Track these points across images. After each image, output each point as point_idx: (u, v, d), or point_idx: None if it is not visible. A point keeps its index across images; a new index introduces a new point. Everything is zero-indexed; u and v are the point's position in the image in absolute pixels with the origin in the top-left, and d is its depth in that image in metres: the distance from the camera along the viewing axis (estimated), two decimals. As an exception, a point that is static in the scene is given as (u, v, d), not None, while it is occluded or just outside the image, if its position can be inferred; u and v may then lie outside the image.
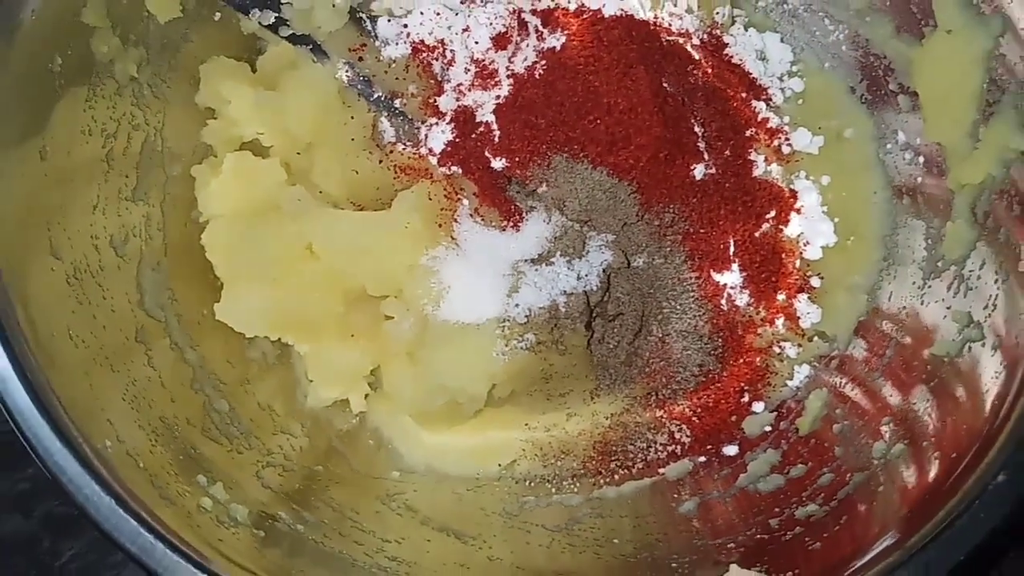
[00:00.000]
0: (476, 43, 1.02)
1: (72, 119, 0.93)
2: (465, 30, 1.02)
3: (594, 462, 1.05)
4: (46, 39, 0.89)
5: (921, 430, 0.89)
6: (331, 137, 1.03)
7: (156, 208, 1.02)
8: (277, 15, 1.02)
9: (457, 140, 1.01)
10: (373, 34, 1.05)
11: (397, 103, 1.04)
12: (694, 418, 1.06)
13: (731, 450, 1.04)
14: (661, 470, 1.05)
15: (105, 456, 0.80)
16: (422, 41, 1.03)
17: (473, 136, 1.01)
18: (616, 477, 1.05)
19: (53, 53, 0.89)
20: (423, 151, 1.03)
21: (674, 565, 0.93)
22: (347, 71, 1.04)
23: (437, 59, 1.03)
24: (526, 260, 0.99)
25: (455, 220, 1.00)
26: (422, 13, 1.03)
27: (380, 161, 1.03)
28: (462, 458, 1.06)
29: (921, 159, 1.02)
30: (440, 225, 1.00)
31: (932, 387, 0.91)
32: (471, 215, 1.01)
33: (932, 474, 0.83)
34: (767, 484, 0.98)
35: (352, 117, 1.03)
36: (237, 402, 1.01)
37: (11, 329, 0.79)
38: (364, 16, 1.06)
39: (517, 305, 0.97)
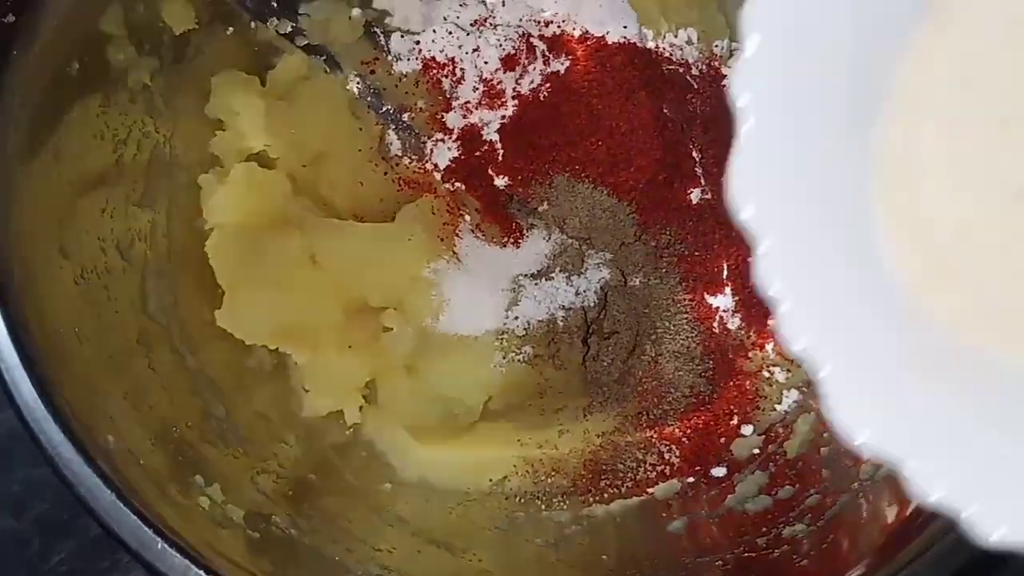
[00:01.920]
0: (485, 63, 1.05)
1: (86, 124, 0.94)
2: (475, 50, 1.05)
3: (584, 480, 1.07)
4: (65, 45, 0.91)
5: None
6: (339, 148, 1.05)
7: (162, 215, 1.03)
8: (294, 24, 1.04)
9: (462, 157, 1.04)
10: (386, 48, 1.08)
11: (405, 117, 1.07)
12: (684, 439, 1.08)
13: (720, 471, 1.06)
14: (650, 490, 1.06)
15: (107, 452, 0.80)
16: (433, 58, 1.06)
17: (477, 154, 1.04)
18: (605, 496, 1.06)
19: (71, 59, 0.91)
20: (428, 166, 1.05)
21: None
22: (358, 83, 1.07)
23: (447, 76, 1.06)
24: (526, 275, 1.01)
25: (457, 235, 1.03)
26: (435, 31, 1.06)
27: (385, 173, 1.05)
28: (454, 473, 1.07)
29: (911, 192, 1.04)
30: (442, 239, 1.02)
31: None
32: (472, 230, 1.03)
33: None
34: (755, 504, 1.00)
35: (360, 129, 1.06)
36: (234, 408, 1.02)
37: (20, 322, 0.80)
38: (378, 31, 1.08)
39: (516, 318, 0.99)
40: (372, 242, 1.01)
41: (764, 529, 0.95)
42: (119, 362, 0.92)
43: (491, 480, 1.07)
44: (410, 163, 1.06)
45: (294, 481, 1.01)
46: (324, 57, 1.06)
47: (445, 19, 1.07)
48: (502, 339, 0.99)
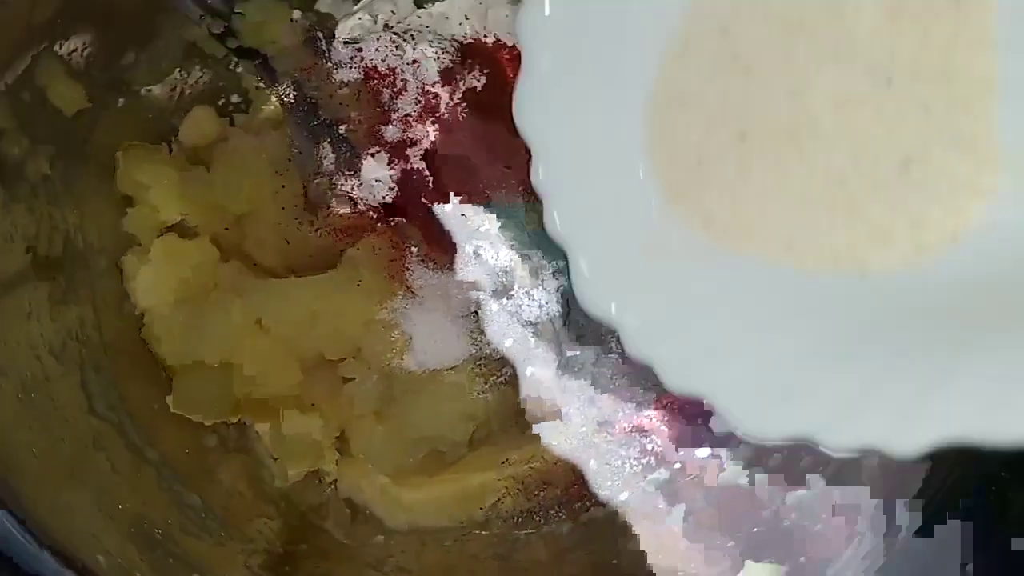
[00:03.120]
0: (425, 73, 1.01)
1: (-7, 228, 0.88)
2: (415, 62, 1.01)
3: (576, 487, 1.05)
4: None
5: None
6: (263, 208, 1.01)
7: (88, 307, 0.97)
8: (227, 25, 0.99)
9: (397, 193, 1.01)
10: (326, 55, 1.03)
11: (342, 129, 1.03)
12: (662, 426, 1.07)
13: (703, 452, 1.06)
14: (640, 483, 1.06)
15: (100, 573, 0.75)
16: (375, 67, 1.02)
17: (410, 183, 1.01)
18: (599, 499, 1.06)
19: (-36, 163, 0.85)
20: (361, 207, 1.01)
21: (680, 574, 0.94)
22: (293, 92, 1.02)
23: (387, 87, 1.02)
24: (486, 297, 0.99)
25: (406, 269, 0.99)
26: (377, 39, 1.02)
27: (315, 226, 1.01)
28: (444, 510, 1.04)
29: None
30: (392, 277, 0.98)
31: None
32: (422, 261, 1.00)
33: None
34: (748, 479, 1.00)
35: (283, 187, 1.01)
36: (206, 493, 0.97)
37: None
38: (320, 35, 1.03)
39: (488, 342, 0.97)
40: (319, 295, 0.97)
41: (767, 500, 0.96)
42: (82, 472, 0.86)
43: (483, 508, 1.04)
44: (344, 210, 1.02)
45: (286, 555, 0.97)
46: (258, 62, 1.01)
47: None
48: (480, 365, 0.96)
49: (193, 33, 1.03)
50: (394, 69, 1.02)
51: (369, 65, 1.02)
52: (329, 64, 1.03)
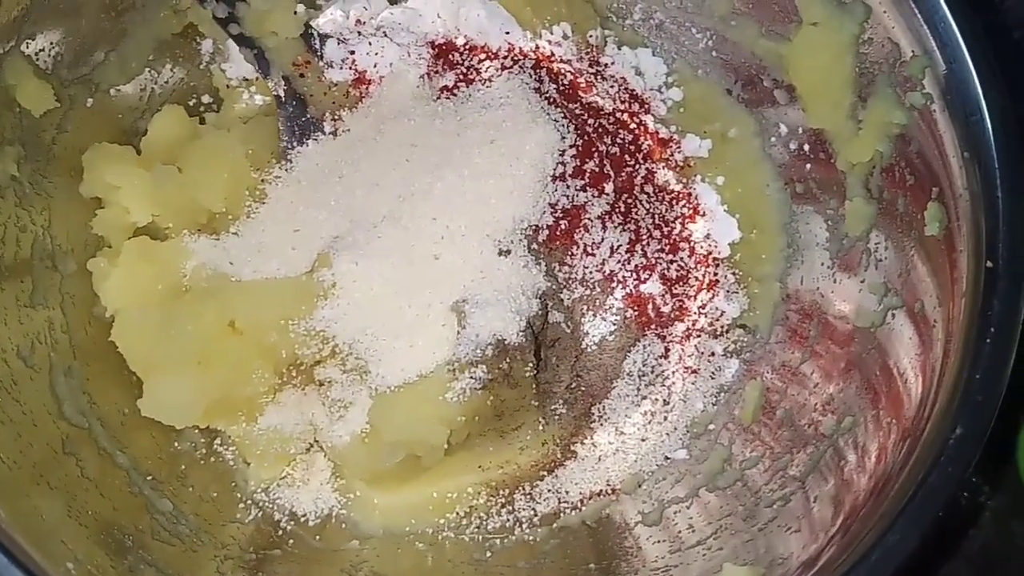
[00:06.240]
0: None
1: (-42, 230, 0.87)
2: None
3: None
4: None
5: (868, 399, 0.92)
6: (241, 205, 1.00)
7: (57, 310, 0.96)
8: (231, 11, 1.00)
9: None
10: (319, 53, 1.04)
11: (327, 127, 1.03)
12: (636, 428, 1.07)
13: (681, 454, 1.06)
14: (617, 485, 1.06)
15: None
16: (365, 71, 1.03)
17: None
18: (574, 502, 1.05)
19: (-70, 163, 0.83)
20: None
21: (658, 578, 0.94)
22: (283, 86, 1.02)
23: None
24: (463, 300, 0.98)
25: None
26: (370, 43, 1.02)
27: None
28: (418, 514, 1.03)
29: (806, 147, 1.06)
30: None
31: (866, 357, 0.95)
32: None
33: (892, 438, 0.86)
34: (725, 480, 1.00)
35: (263, 181, 1.00)
36: (178, 499, 0.96)
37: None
38: (315, 33, 1.04)
39: (460, 345, 0.95)
40: (292, 295, 0.96)
41: (741, 506, 0.96)
42: (51, 477, 0.85)
43: (458, 513, 1.03)
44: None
45: (259, 561, 0.95)
46: (255, 52, 1.02)
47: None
48: (453, 369, 0.95)
49: (164, 30, 1.03)
50: (382, 77, 1.02)
51: (360, 68, 1.03)
52: (321, 63, 1.03)
